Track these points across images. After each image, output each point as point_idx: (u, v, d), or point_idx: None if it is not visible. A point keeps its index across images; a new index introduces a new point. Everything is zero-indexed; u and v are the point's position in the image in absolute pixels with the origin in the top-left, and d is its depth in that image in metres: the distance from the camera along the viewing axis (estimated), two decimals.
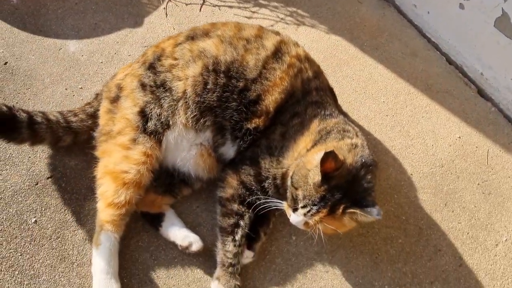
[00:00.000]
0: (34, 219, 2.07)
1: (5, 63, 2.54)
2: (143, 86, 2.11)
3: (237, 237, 2.03)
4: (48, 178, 2.18)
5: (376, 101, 2.81)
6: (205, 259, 2.09)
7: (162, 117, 2.07)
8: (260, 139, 2.11)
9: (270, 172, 2.05)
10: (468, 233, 2.38)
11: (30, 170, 2.19)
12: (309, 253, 2.18)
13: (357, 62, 2.99)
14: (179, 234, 2.08)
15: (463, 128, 2.78)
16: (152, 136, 2.05)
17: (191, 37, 2.20)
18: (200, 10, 3.08)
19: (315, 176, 1.80)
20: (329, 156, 1.71)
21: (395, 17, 3.34)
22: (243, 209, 2.07)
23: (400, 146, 2.62)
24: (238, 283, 1.98)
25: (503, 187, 2.57)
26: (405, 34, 3.24)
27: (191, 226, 2.17)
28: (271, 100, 2.08)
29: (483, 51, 2.87)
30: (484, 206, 2.49)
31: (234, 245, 2.02)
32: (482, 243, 2.36)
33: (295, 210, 1.89)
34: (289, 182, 1.92)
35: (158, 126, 2.06)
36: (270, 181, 2.06)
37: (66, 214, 2.11)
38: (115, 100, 2.14)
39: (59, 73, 2.57)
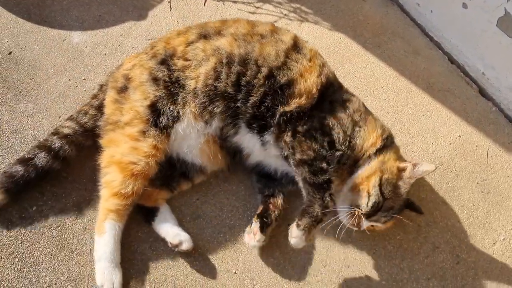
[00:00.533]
0: (35, 207, 2.09)
1: (10, 53, 2.56)
2: (155, 80, 2.12)
3: (331, 192, 2.02)
4: None
5: (377, 98, 2.82)
6: (202, 251, 2.10)
7: (175, 111, 2.08)
8: (323, 113, 2.13)
9: (342, 147, 2.08)
10: (466, 231, 2.39)
11: None
12: (307, 248, 2.19)
13: (359, 60, 3.00)
14: (171, 232, 2.07)
15: (463, 127, 2.79)
16: (163, 130, 2.07)
17: (204, 36, 2.21)
18: (204, 4, 3.09)
19: (406, 186, 2.08)
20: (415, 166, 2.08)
21: (398, 15, 3.34)
22: (330, 169, 2.04)
23: (400, 143, 2.61)
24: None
25: (502, 186, 2.58)
26: (408, 32, 3.25)
27: (190, 218, 2.19)
28: (311, 82, 2.12)
29: (485, 51, 2.87)
30: (483, 204, 2.50)
31: (331, 199, 2.00)
32: (480, 241, 2.37)
33: (369, 216, 2.04)
34: (376, 191, 2.03)
35: (170, 120, 2.08)
36: (339, 154, 2.08)
37: (66, 203, 2.12)
38: (122, 90, 2.14)
39: (63, 63, 2.59)
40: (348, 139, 2.09)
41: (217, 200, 2.28)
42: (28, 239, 2.01)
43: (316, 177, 2.01)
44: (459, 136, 2.74)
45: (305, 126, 2.08)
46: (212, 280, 2.06)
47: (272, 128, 2.12)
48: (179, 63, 2.14)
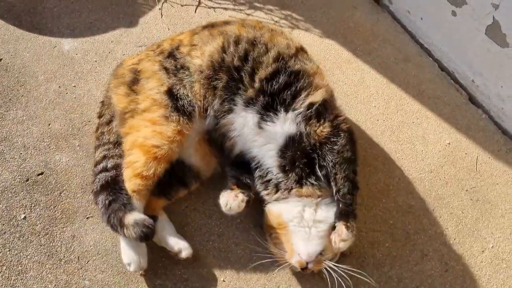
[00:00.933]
0: (24, 215, 2.09)
1: (0, 60, 2.56)
2: (166, 69, 2.14)
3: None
4: (38, 174, 2.21)
5: (367, 105, 2.82)
6: (193, 259, 2.09)
7: (189, 97, 2.10)
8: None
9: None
10: (455, 239, 2.39)
11: (21, 167, 2.21)
12: None
13: (350, 66, 3.01)
14: (170, 240, 2.07)
15: (453, 134, 2.80)
16: (188, 115, 2.08)
17: (210, 26, 2.28)
18: (195, 11, 3.10)
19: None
20: None
21: (389, 22, 3.35)
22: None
23: (390, 151, 2.64)
24: None
25: (491, 194, 2.58)
26: (398, 39, 3.26)
27: (179, 225, 2.19)
28: (326, 82, 2.20)
29: (474, 58, 2.89)
30: (472, 212, 2.50)
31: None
32: (468, 249, 2.38)
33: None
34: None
35: (188, 105, 2.09)
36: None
37: (55, 211, 2.13)
38: (133, 82, 2.14)
39: (53, 70, 2.59)
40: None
41: (206, 207, 2.28)
42: (16, 247, 2.01)
43: (356, 176, 2.04)
44: (449, 143, 2.75)
45: (347, 126, 2.13)
46: None
47: (300, 110, 2.07)
48: (185, 49, 2.18)
